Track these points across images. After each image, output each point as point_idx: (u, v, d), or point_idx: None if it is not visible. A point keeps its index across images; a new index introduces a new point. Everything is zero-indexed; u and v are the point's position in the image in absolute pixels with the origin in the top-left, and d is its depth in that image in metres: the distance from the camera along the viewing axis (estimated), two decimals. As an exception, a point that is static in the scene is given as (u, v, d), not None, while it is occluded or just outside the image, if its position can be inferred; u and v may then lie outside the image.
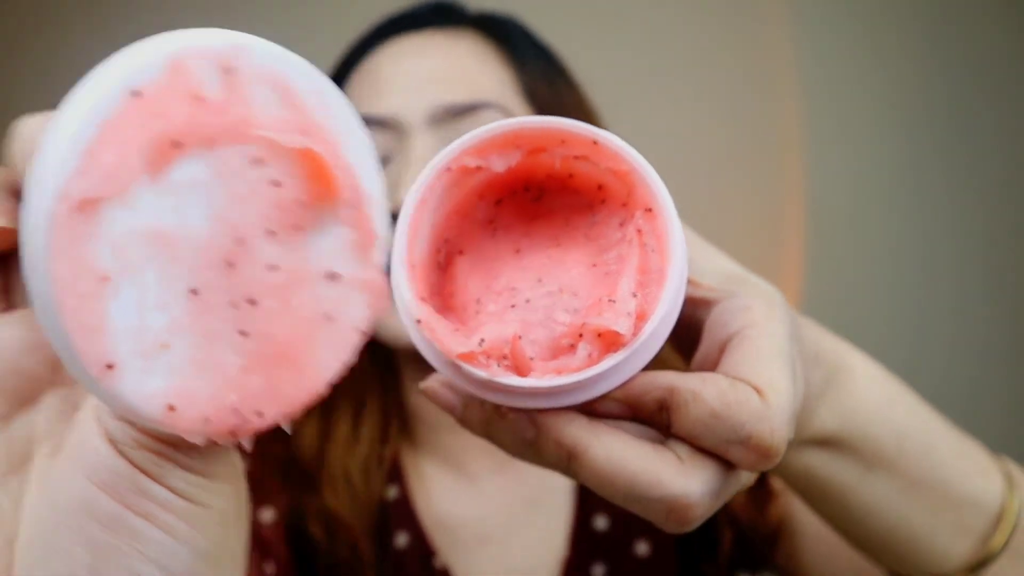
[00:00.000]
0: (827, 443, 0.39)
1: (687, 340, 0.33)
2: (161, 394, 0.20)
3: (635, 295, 0.27)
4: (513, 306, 0.29)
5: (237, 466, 0.25)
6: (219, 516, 0.23)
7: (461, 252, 0.31)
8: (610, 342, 0.27)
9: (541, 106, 0.65)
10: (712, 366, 0.30)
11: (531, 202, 0.32)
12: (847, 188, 1.32)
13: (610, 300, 0.27)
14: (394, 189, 0.59)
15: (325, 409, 0.68)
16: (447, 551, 0.66)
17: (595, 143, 0.29)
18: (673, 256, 0.27)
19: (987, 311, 1.28)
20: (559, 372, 0.27)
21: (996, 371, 1.28)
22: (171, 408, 0.20)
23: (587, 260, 0.30)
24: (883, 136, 1.31)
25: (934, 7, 1.28)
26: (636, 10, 1.33)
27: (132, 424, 0.22)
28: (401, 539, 0.65)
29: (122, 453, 0.22)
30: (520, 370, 0.27)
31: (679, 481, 0.27)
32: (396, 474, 0.68)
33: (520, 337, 0.28)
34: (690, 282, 0.31)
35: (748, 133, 1.33)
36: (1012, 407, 1.26)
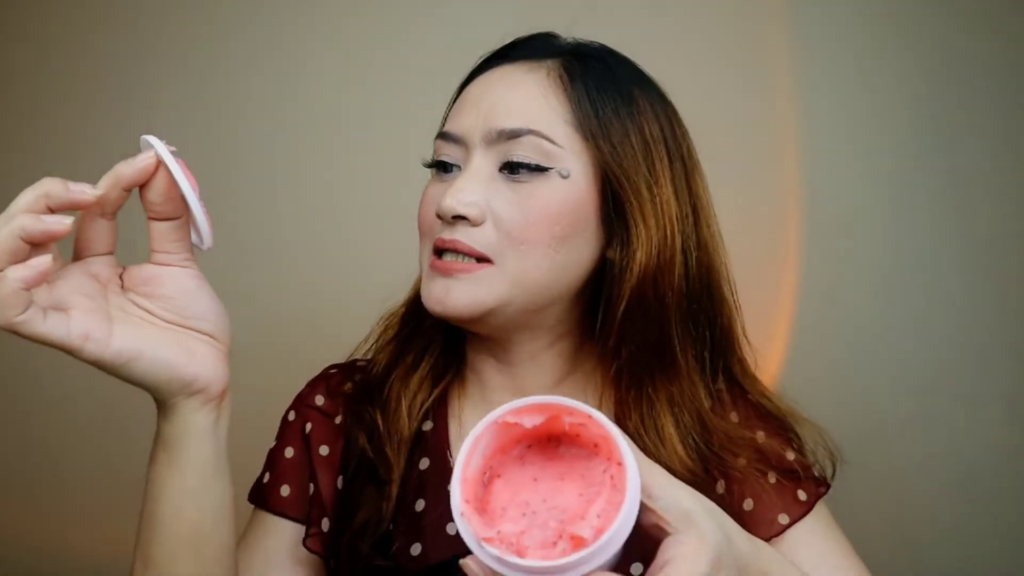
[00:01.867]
0: None
1: (652, 548, 0.49)
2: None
3: (598, 516, 0.45)
4: (524, 514, 0.47)
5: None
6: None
7: (499, 476, 0.49)
8: (578, 542, 0.44)
9: (588, 136, 0.73)
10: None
11: (551, 448, 0.50)
12: (844, 188, 1.32)
13: (582, 518, 0.46)
14: (445, 192, 0.72)
15: (403, 341, 0.83)
16: None
17: (589, 417, 0.47)
18: (627, 498, 0.45)
19: (985, 310, 1.28)
20: (544, 558, 0.44)
21: (995, 370, 1.28)
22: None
23: (577, 491, 0.48)
24: (881, 136, 1.32)
25: (933, 8, 1.29)
26: (635, 10, 1.34)
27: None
28: (424, 463, 0.79)
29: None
30: (520, 554, 0.45)
31: None
32: (439, 410, 0.81)
33: (523, 533, 0.46)
34: (654, 512, 0.47)
35: (746, 133, 1.34)
36: (1011, 406, 1.26)
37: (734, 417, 0.78)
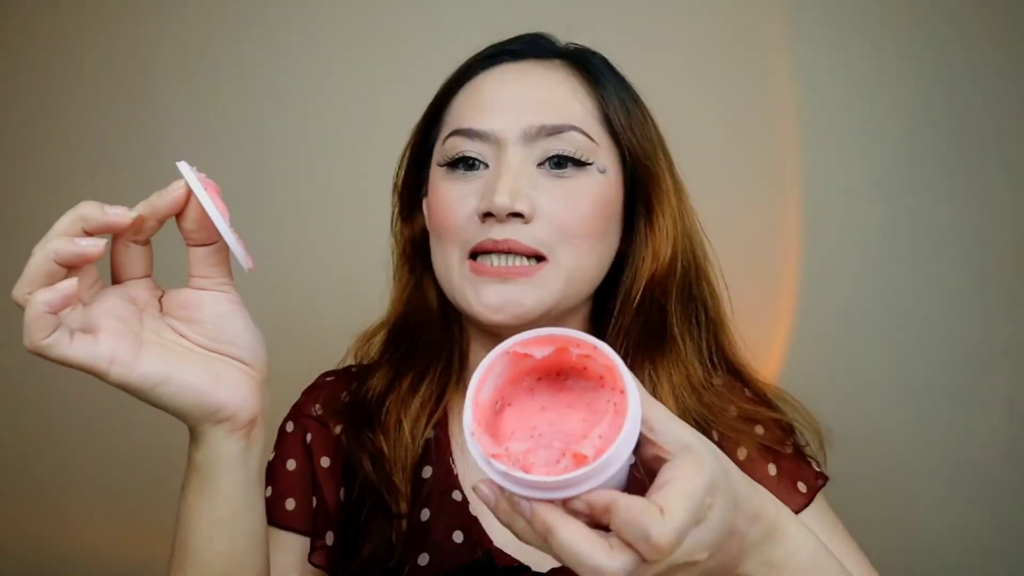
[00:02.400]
0: None
1: (651, 477, 0.49)
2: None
3: (600, 437, 0.47)
4: (531, 436, 0.49)
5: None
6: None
7: (510, 404, 0.51)
8: (579, 460, 0.46)
9: (616, 132, 0.75)
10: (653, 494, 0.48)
11: (560, 381, 0.51)
12: (844, 188, 1.32)
13: (585, 438, 0.47)
14: (491, 188, 0.71)
15: (397, 364, 0.82)
16: (469, 485, 0.77)
17: (595, 348, 0.48)
18: (627, 420, 0.46)
19: (985, 310, 1.28)
20: (548, 474, 0.46)
21: (995, 370, 1.28)
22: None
23: (582, 417, 0.50)
24: (880, 137, 1.32)
25: (932, 10, 1.29)
26: (634, 11, 1.34)
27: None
28: (427, 471, 0.79)
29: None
30: (526, 470, 0.46)
31: (606, 560, 0.44)
32: (442, 421, 0.81)
33: (529, 452, 0.48)
34: (654, 444, 0.48)
35: (746, 135, 1.34)
36: (1011, 406, 1.26)
37: (733, 411, 0.79)
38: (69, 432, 1.43)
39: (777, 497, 0.75)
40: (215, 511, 0.59)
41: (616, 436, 0.45)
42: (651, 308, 0.77)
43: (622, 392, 0.48)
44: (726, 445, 0.76)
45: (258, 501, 0.61)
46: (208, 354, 0.56)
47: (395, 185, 0.84)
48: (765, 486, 0.75)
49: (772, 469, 0.77)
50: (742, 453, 0.77)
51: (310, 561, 0.78)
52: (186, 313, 0.56)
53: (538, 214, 0.71)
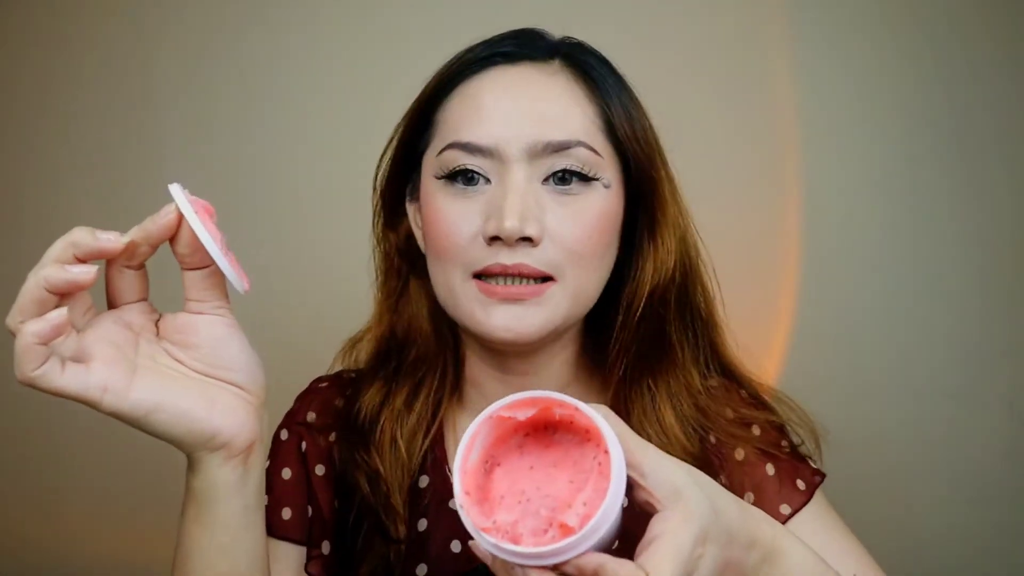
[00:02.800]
0: None
1: (644, 521, 0.50)
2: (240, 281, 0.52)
3: (584, 504, 0.49)
4: (519, 502, 0.50)
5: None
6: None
7: (499, 464, 0.52)
8: (565, 530, 0.48)
9: (620, 141, 0.73)
10: (642, 553, 0.49)
11: (547, 435, 0.52)
12: (844, 188, 1.32)
13: (569, 506, 0.49)
14: (498, 209, 0.68)
15: (389, 380, 0.80)
16: None
17: (577, 410, 0.50)
18: (613, 483, 0.47)
19: (984, 310, 1.28)
20: (537, 545, 0.47)
21: (994, 370, 1.28)
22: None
23: (568, 478, 0.51)
24: (880, 137, 1.32)
25: (932, 11, 1.29)
26: (634, 11, 1.34)
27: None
28: (423, 480, 0.79)
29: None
30: (515, 540, 0.48)
31: None
32: (438, 434, 0.80)
33: (518, 522, 0.50)
34: (644, 489, 0.50)
35: (746, 134, 1.34)
36: (1011, 406, 1.26)
37: (729, 413, 0.79)
38: (69, 434, 1.43)
39: (777, 496, 0.76)
40: (214, 538, 0.58)
41: (600, 503, 0.47)
42: (652, 320, 0.75)
43: (606, 452, 0.49)
44: (723, 449, 0.77)
45: (258, 522, 0.61)
46: (204, 379, 0.56)
47: (377, 187, 0.81)
48: (764, 487, 0.76)
49: (770, 469, 0.77)
50: (739, 455, 0.77)
51: (306, 570, 0.77)
52: (182, 337, 0.55)
53: (546, 235, 0.69)
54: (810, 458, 0.80)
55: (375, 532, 0.76)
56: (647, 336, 0.75)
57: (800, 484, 0.77)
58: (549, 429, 0.52)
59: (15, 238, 1.37)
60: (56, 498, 1.48)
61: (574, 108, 0.72)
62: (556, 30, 0.80)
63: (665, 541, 0.47)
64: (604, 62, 0.77)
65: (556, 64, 0.74)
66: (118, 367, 0.52)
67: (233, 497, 0.57)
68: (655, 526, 0.49)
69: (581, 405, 0.50)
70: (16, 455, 1.47)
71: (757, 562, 0.54)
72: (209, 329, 0.56)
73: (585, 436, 0.51)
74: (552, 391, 0.51)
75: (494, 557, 0.50)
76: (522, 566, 0.48)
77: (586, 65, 0.75)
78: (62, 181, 1.44)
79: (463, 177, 0.70)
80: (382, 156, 0.80)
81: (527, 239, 0.68)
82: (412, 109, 0.77)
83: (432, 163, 0.73)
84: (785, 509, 0.76)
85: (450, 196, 0.71)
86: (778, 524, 0.58)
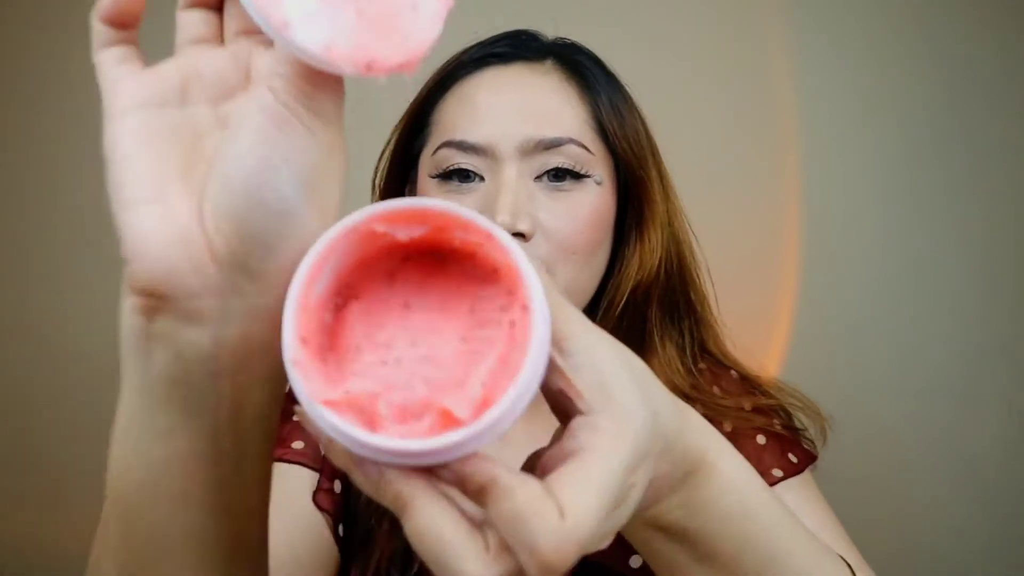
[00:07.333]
0: (666, 530, 0.41)
1: (560, 415, 0.36)
2: (321, 40, 0.31)
3: (484, 384, 0.31)
4: (384, 363, 0.33)
5: (340, 115, 0.34)
6: (328, 143, 0.33)
7: (357, 297, 0.34)
8: (448, 421, 0.30)
9: (611, 140, 0.74)
10: (555, 467, 0.33)
11: (435, 264, 0.35)
12: (844, 189, 1.33)
13: (460, 385, 0.31)
14: (490, 206, 0.68)
15: None
16: None
17: (490, 236, 0.32)
18: (530, 360, 0.30)
19: (984, 310, 1.29)
20: (403, 436, 0.30)
21: (994, 369, 1.28)
22: (328, 48, 0.31)
23: (461, 333, 0.33)
24: (880, 137, 1.32)
25: (932, 11, 1.29)
26: (633, 12, 1.34)
27: (289, 73, 0.33)
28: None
29: (276, 94, 0.33)
30: (371, 424, 0.31)
31: (477, 568, 0.30)
32: None
33: (379, 396, 0.32)
34: (563, 376, 0.34)
35: (746, 134, 1.34)
36: (1010, 406, 1.26)
37: (716, 391, 0.78)
38: (69, 433, 1.43)
39: (768, 460, 0.73)
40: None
41: (507, 386, 0.30)
42: (632, 315, 0.76)
43: (525, 308, 0.31)
44: (711, 421, 0.74)
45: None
46: None
47: (376, 187, 0.82)
48: (753, 455, 0.73)
49: (761, 439, 0.76)
50: (727, 427, 0.75)
51: (314, 500, 0.71)
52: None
53: (539, 231, 0.70)
54: (810, 441, 0.79)
55: (384, 511, 0.72)
56: (627, 331, 0.76)
57: (792, 458, 0.76)
58: (438, 256, 0.35)
59: (15, 238, 1.37)
60: (56, 497, 1.48)
61: (566, 106, 0.73)
62: (556, 30, 0.81)
63: (590, 464, 0.32)
64: (597, 62, 0.78)
65: (549, 64, 0.76)
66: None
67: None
68: (577, 435, 0.33)
69: (496, 230, 0.32)
70: (16, 455, 1.48)
71: (679, 478, 0.40)
72: None
73: (492, 276, 0.34)
74: (457, 205, 0.33)
75: (331, 440, 0.32)
76: (377, 463, 0.31)
77: (578, 64, 0.76)
78: (62, 181, 1.44)
79: (458, 175, 0.72)
80: (381, 157, 0.82)
81: (519, 234, 0.69)
82: (409, 110, 0.78)
83: (428, 162, 0.74)
84: (777, 472, 0.74)
85: (445, 194, 0.72)
86: (724, 441, 0.43)
